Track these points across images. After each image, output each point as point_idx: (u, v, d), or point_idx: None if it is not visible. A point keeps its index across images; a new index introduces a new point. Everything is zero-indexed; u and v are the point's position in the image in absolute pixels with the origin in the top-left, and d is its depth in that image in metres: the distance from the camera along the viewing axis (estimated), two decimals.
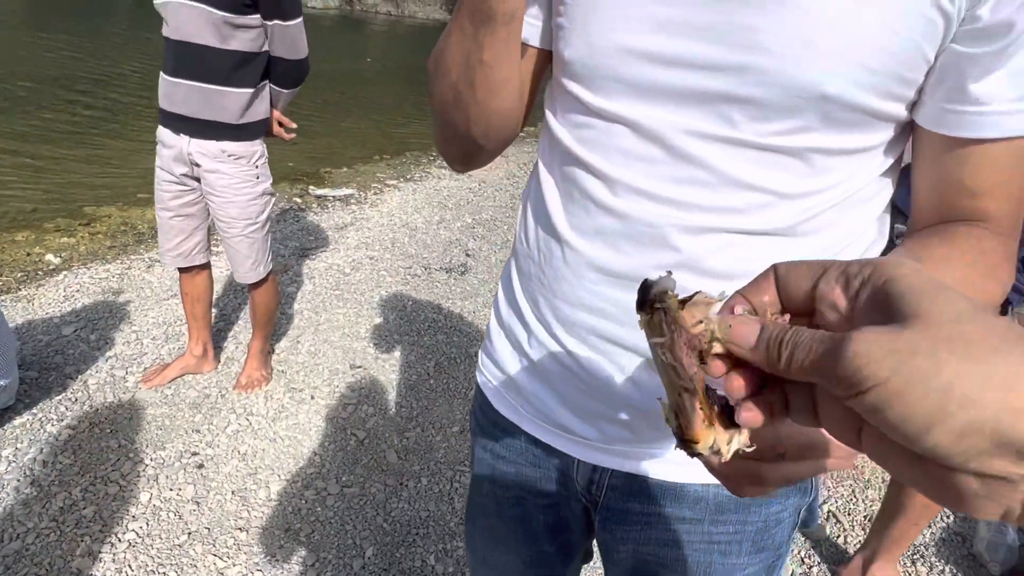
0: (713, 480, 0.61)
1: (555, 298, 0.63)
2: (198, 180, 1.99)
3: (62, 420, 2.04)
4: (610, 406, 0.63)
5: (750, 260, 0.54)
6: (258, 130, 1.99)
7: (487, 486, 0.80)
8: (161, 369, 2.29)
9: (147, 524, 1.72)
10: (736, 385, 0.31)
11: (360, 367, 2.55)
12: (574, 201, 0.61)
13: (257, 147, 2.00)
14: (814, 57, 0.48)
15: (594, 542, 0.82)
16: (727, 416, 0.32)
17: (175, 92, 1.86)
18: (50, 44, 9.27)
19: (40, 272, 3.03)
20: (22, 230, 3.54)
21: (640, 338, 0.49)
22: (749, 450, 0.33)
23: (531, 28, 0.63)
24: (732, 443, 0.32)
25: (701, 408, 0.32)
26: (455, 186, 5.25)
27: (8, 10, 12.76)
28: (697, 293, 0.32)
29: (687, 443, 0.33)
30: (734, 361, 0.31)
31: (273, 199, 2.16)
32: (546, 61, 0.66)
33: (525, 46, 0.64)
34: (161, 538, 1.69)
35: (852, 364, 0.24)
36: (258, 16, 1.82)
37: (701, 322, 0.31)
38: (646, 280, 0.33)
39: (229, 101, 1.87)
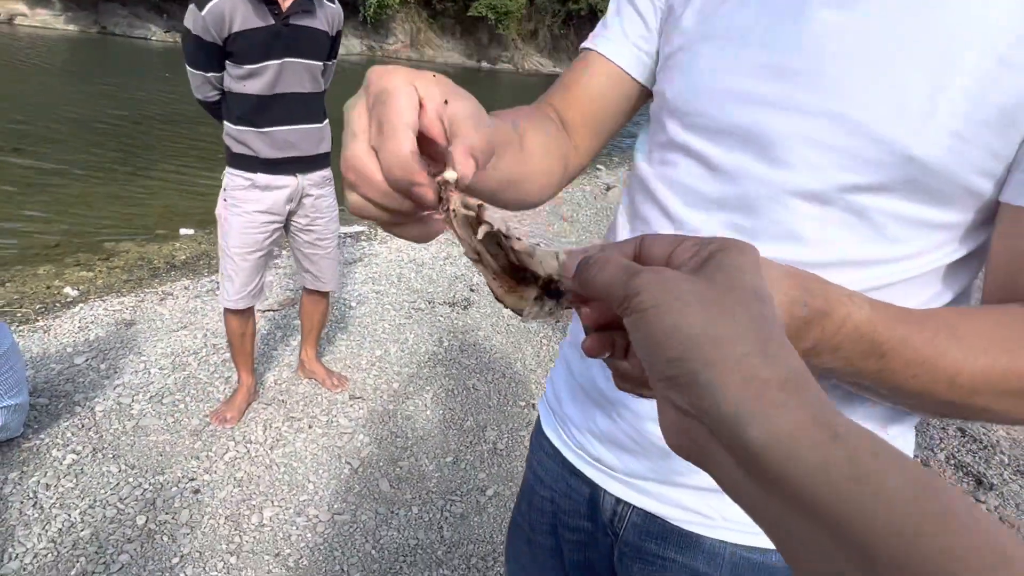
0: (731, 539, 0.63)
1: None
2: (288, 217, 2.21)
3: (67, 445, 2.11)
4: (635, 439, 0.66)
5: None
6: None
7: (524, 507, 0.84)
8: (229, 406, 2.35)
9: (141, 547, 1.77)
10: (584, 313, 0.35)
11: (359, 398, 2.60)
12: (640, 233, 0.65)
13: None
14: (904, 117, 0.48)
15: None
16: (549, 295, 0.36)
17: (289, 138, 2.06)
18: (88, 90, 9.74)
19: (58, 304, 3.16)
20: (44, 264, 3.69)
21: None
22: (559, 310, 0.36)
23: (633, 56, 0.67)
24: (532, 305, 0.36)
25: (494, 277, 0.36)
26: None
27: (53, 60, 13.45)
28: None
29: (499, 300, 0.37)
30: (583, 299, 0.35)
31: None
32: (638, 98, 0.70)
33: (621, 73, 0.68)
34: (154, 560, 1.73)
35: (632, 286, 0.27)
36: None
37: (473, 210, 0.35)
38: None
39: (325, 133, 2.17)
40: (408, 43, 29.13)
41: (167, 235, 4.41)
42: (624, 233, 0.69)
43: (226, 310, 2.22)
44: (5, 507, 1.83)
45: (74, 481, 1.96)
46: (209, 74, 1.97)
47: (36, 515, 1.82)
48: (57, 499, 1.88)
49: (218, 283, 3.56)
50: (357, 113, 0.36)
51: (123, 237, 4.28)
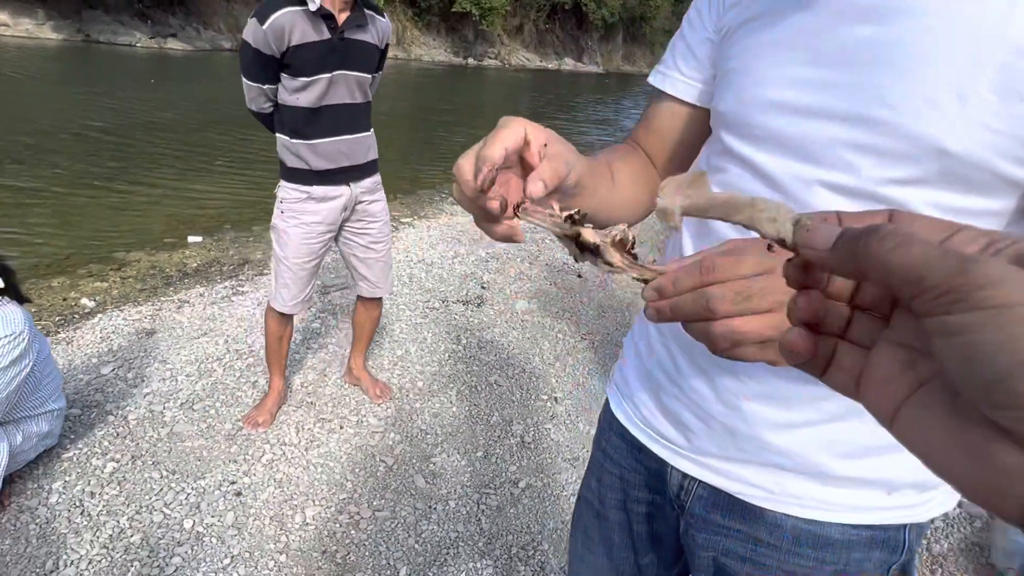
0: (792, 511, 0.69)
1: None
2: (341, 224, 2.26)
3: (106, 454, 2.15)
4: (702, 419, 0.71)
5: None
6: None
7: (594, 483, 0.90)
8: (260, 410, 2.38)
9: (192, 549, 1.81)
10: (801, 303, 0.31)
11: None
12: (702, 239, 0.71)
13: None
14: (936, 114, 0.52)
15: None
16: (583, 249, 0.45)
17: (340, 148, 2.11)
18: (77, 99, 9.68)
19: (76, 315, 3.18)
20: (57, 276, 3.70)
21: (740, 364, 0.63)
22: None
23: (690, 88, 0.75)
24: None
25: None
26: (467, 221, 5.40)
27: (42, 69, 13.34)
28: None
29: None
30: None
31: None
32: (706, 120, 0.76)
33: (684, 106, 0.76)
34: (206, 562, 1.77)
35: (975, 275, 0.20)
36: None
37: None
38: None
39: (372, 141, 2.24)
40: (394, 42, 29.04)
41: (176, 243, 4.43)
42: (687, 237, 0.74)
43: (269, 312, 2.29)
44: (54, 516, 1.87)
45: (118, 488, 2.00)
46: (265, 86, 2.03)
47: (85, 523, 1.86)
48: (104, 506, 1.92)
49: (234, 289, 3.61)
50: (482, 139, 0.47)
51: (132, 247, 4.29)
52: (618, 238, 0.45)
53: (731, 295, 0.40)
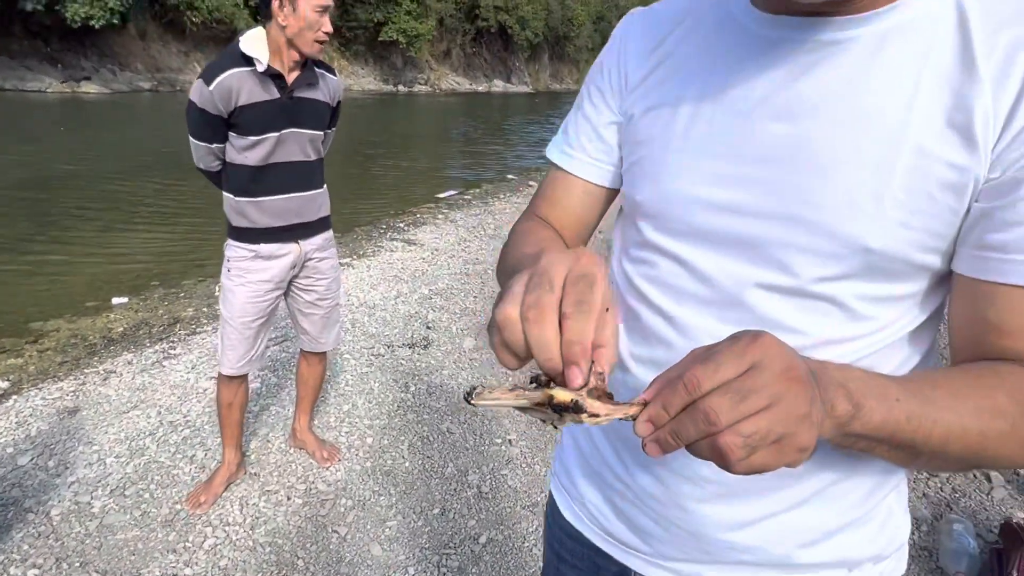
0: None
1: None
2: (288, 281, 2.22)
3: (26, 560, 1.97)
4: (661, 525, 0.69)
5: None
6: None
7: None
8: (205, 489, 2.25)
9: None
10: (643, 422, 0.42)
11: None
12: (633, 329, 0.69)
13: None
14: (858, 215, 0.54)
15: None
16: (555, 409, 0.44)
17: (289, 206, 2.07)
18: None
19: None
20: None
21: (694, 464, 0.63)
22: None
23: (600, 171, 0.75)
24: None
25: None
26: (408, 257, 5.34)
27: None
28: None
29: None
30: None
31: None
32: (611, 196, 0.78)
33: (591, 186, 0.76)
34: None
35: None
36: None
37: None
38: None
39: (325, 198, 2.22)
40: None
41: (99, 306, 4.18)
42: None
43: (220, 377, 2.19)
44: None
45: None
46: (213, 145, 1.99)
47: None
48: None
49: (165, 353, 3.42)
50: (557, 272, 0.43)
51: (50, 314, 4.02)
52: (592, 385, 0.43)
53: (726, 401, 0.39)
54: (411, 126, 19.19)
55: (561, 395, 0.42)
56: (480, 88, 41.60)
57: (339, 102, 2.18)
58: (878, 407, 0.47)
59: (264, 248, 2.08)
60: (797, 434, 0.40)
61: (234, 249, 2.09)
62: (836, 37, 0.56)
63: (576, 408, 0.42)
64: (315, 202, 2.16)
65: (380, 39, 31.64)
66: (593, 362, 0.42)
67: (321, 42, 1.94)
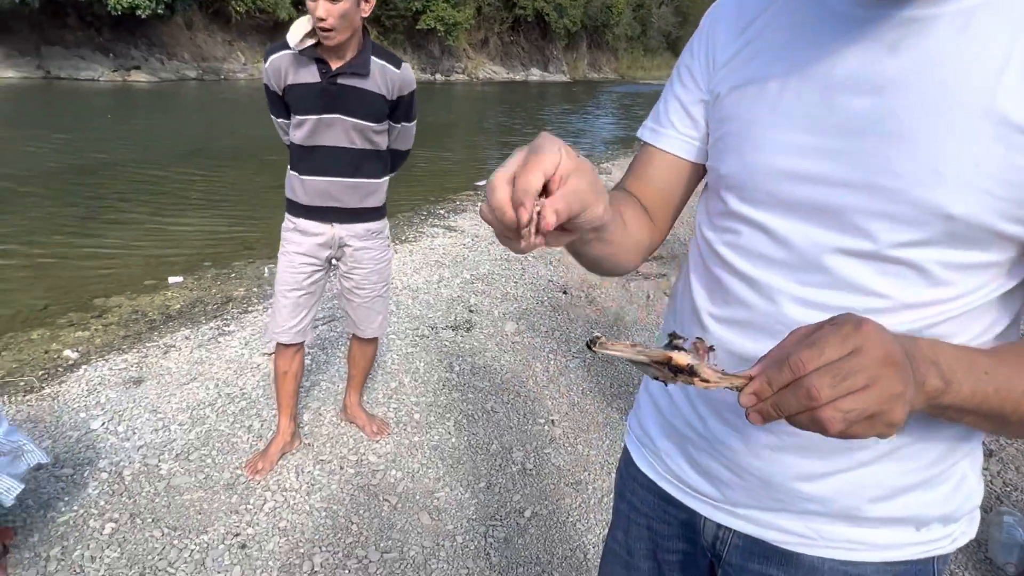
0: (829, 555, 0.71)
1: None
2: (329, 261, 2.26)
3: (103, 514, 2.11)
4: (735, 472, 0.73)
5: None
6: (385, 208, 2.33)
7: (621, 535, 0.92)
8: (262, 456, 2.36)
9: None
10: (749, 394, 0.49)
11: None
12: (715, 293, 0.74)
13: (387, 223, 2.35)
14: (940, 183, 0.56)
15: None
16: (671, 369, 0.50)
17: (328, 189, 2.13)
18: (42, 140, 9.50)
19: (60, 368, 3.11)
20: (36, 328, 3.63)
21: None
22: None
23: (687, 146, 0.78)
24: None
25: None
26: (449, 243, 5.41)
27: (2, 110, 13.06)
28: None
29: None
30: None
31: None
32: (698, 174, 0.80)
33: (679, 160, 0.79)
34: None
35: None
36: (388, 121, 2.16)
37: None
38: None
39: (375, 189, 2.23)
40: None
41: (156, 285, 4.37)
42: (699, 289, 0.77)
43: (276, 345, 2.31)
44: None
45: (119, 550, 1.96)
46: (279, 120, 2.16)
47: None
48: (106, 571, 1.88)
49: (219, 329, 3.57)
50: (517, 153, 0.50)
51: (112, 291, 4.22)
52: (694, 347, 0.49)
53: (828, 379, 0.44)
54: (447, 114, 19.27)
55: (680, 358, 0.48)
56: (517, 77, 41.46)
57: (403, 97, 2.12)
58: (966, 380, 0.51)
59: (301, 223, 2.17)
60: (890, 411, 0.45)
61: (285, 220, 2.22)
62: (923, 14, 0.58)
63: (691, 371, 0.48)
64: (359, 190, 2.17)
65: (418, 28, 31.78)
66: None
67: (323, 32, 1.90)
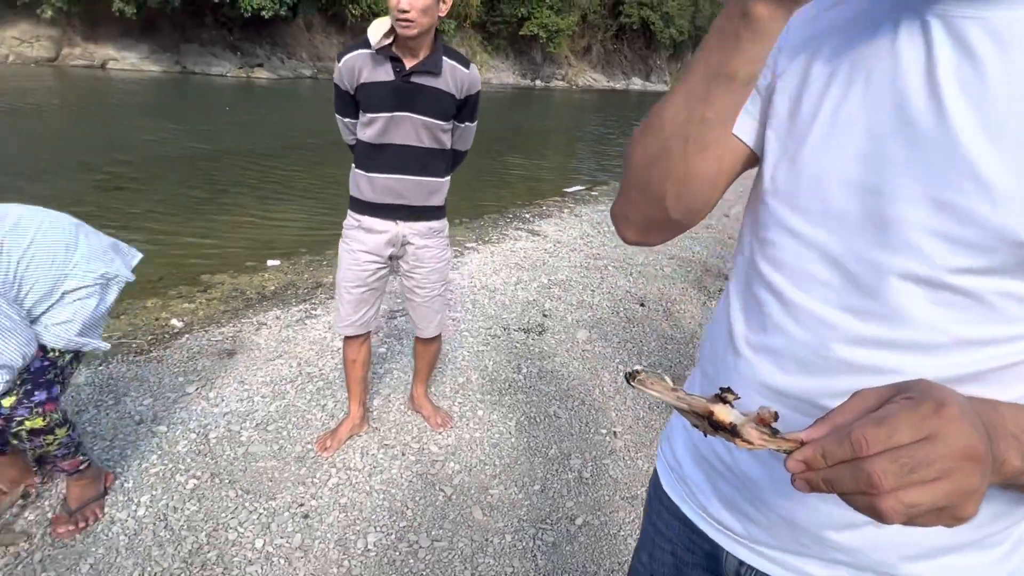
0: None
1: None
2: (392, 258, 2.33)
3: (188, 471, 2.30)
4: (761, 511, 0.69)
5: None
6: (446, 208, 2.36)
7: (646, 558, 0.90)
8: (332, 435, 2.51)
9: (261, 568, 1.91)
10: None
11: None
12: (752, 316, 0.68)
13: (447, 222, 2.37)
14: (1014, 204, 0.50)
15: None
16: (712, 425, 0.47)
17: (394, 186, 2.17)
18: (174, 127, 10.47)
19: (167, 335, 3.42)
20: (151, 297, 4.00)
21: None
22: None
23: (744, 122, 0.68)
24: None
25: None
26: (531, 247, 5.46)
27: (144, 100, 14.51)
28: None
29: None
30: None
31: None
32: (748, 160, 0.70)
33: (737, 139, 0.68)
34: None
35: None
36: (453, 121, 2.19)
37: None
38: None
39: (439, 188, 2.26)
40: None
41: (256, 267, 4.70)
42: (737, 311, 0.72)
43: (344, 336, 2.42)
44: (141, 528, 2.01)
45: (198, 505, 2.13)
46: (346, 119, 2.22)
47: (168, 536, 1.99)
48: (185, 521, 2.05)
49: (307, 312, 3.78)
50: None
51: (217, 269, 4.59)
52: (758, 417, 0.45)
53: (894, 468, 0.39)
54: (545, 121, 19.43)
55: (722, 415, 0.44)
56: (617, 86, 41.12)
57: (470, 96, 2.17)
58: None
59: (367, 220, 2.23)
60: (961, 507, 0.40)
61: (347, 217, 2.28)
62: (1010, 16, 0.52)
63: (732, 431, 0.44)
64: (424, 189, 2.21)
65: (521, 34, 32.27)
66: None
67: (403, 22, 1.92)
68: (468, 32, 30.40)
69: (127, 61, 19.81)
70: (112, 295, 1.95)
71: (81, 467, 1.98)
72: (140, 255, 2.14)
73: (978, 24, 0.53)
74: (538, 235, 5.91)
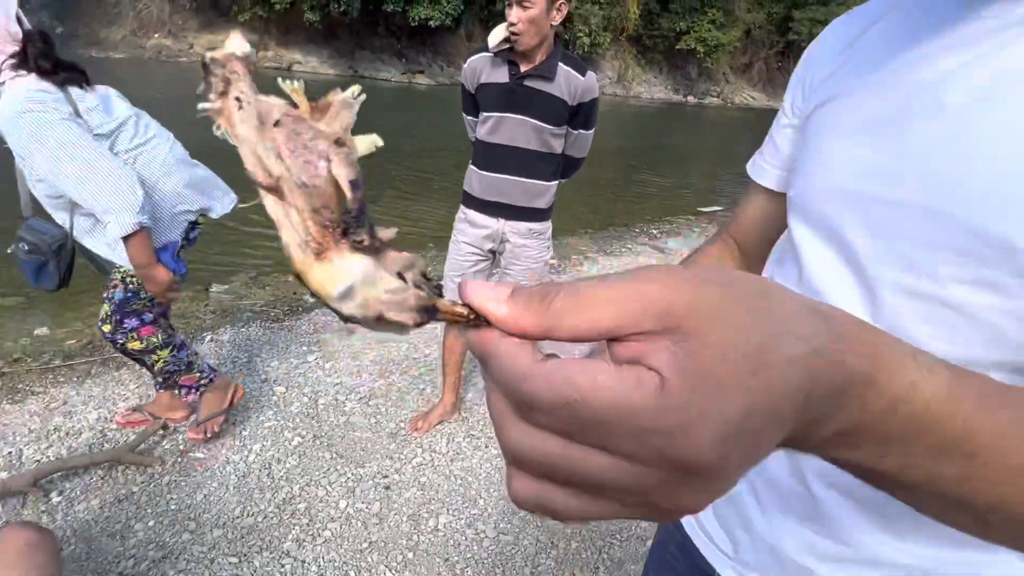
0: None
1: None
2: (494, 253, 2.45)
3: (295, 429, 2.54)
4: (748, 532, 0.69)
5: None
6: (551, 211, 2.41)
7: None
8: (424, 417, 2.67)
9: (340, 527, 2.07)
10: None
11: None
12: None
13: (550, 224, 2.42)
14: (1009, 209, 0.47)
15: None
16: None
17: (500, 185, 2.26)
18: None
19: (300, 309, 3.79)
20: (291, 273, 4.45)
21: (786, 484, 0.63)
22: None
23: (771, 175, 0.75)
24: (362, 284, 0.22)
25: (309, 222, 0.22)
26: (652, 263, 5.35)
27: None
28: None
29: (297, 277, 0.24)
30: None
31: None
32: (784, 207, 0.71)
33: (769, 191, 0.75)
34: (349, 541, 2.01)
35: None
36: (566, 127, 2.24)
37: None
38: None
39: (545, 192, 2.31)
40: (615, 79, 29.79)
41: None
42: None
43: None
44: (249, 471, 2.27)
45: (297, 460, 2.36)
46: (468, 117, 2.39)
47: (269, 483, 2.23)
48: (284, 473, 2.28)
49: None
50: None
51: None
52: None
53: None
54: (692, 137, 18.86)
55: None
56: (776, 105, 38.80)
57: (583, 103, 2.16)
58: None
59: (472, 214, 2.34)
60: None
61: (459, 210, 2.42)
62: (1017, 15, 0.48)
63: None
64: (529, 191, 2.26)
65: (678, 48, 31.56)
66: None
67: (513, 33, 2.00)
68: (623, 45, 30.32)
69: (309, 64, 22.11)
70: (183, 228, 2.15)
71: (201, 383, 2.29)
72: (235, 200, 2.36)
73: (1002, 22, 0.49)
74: (662, 251, 5.78)
